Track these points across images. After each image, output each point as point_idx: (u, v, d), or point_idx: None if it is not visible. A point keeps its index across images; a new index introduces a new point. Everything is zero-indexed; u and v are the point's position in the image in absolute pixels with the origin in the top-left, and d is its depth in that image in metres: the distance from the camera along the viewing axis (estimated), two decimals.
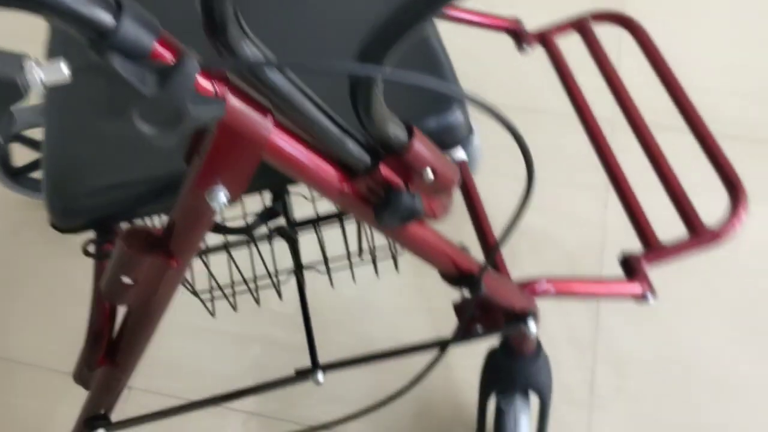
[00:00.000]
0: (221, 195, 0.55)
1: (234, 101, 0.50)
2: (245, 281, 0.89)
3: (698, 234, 0.99)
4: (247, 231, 0.92)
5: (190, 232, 0.59)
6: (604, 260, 1.36)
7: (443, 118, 0.72)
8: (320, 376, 0.83)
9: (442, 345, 0.80)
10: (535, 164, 1.47)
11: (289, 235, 0.79)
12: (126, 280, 0.61)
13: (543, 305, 1.29)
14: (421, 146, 0.59)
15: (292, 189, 1.01)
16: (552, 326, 1.27)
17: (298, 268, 0.91)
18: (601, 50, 1.17)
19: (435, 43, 0.78)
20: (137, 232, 0.60)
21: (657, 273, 1.29)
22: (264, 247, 1.08)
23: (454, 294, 1.29)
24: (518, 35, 1.23)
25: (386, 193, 0.59)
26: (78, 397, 1.16)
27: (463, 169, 1.06)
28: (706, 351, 1.24)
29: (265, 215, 0.92)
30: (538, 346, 0.96)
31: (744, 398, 1.20)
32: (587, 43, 1.18)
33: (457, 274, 0.74)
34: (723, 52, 1.69)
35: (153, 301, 0.64)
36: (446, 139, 0.74)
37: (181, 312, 1.29)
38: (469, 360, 1.25)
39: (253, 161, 0.54)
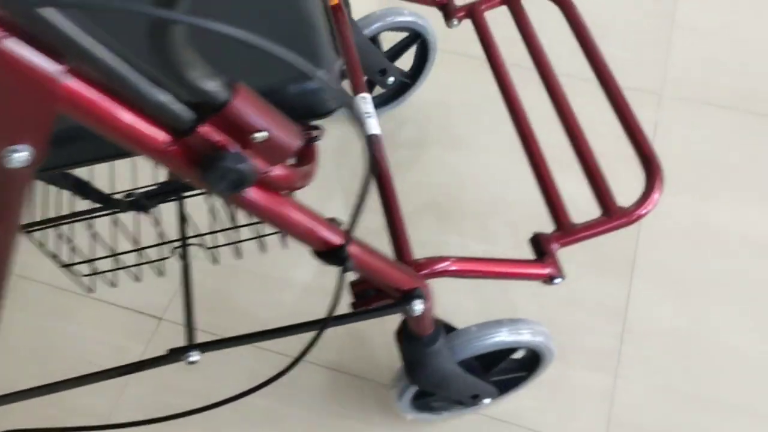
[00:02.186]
0: (16, 155, 0.49)
1: (13, 43, 0.44)
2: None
3: (611, 214, 0.93)
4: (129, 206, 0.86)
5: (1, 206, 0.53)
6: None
7: (306, 85, 0.66)
8: (195, 355, 0.77)
9: (321, 325, 0.75)
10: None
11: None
12: None
13: (575, 270, 1.25)
14: (246, 105, 0.53)
15: None
16: (584, 292, 1.25)
17: (184, 239, 0.85)
18: (528, 25, 1.11)
19: (313, 3, 0.72)
20: None
21: (689, 247, 1.30)
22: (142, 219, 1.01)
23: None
24: (446, 8, 1.17)
25: (209, 156, 0.54)
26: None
27: (375, 142, 1.00)
28: (735, 329, 1.22)
29: (157, 192, 0.86)
30: (437, 328, 0.91)
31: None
32: (516, 17, 1.12)
33: (325, 249, 0.69)
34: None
35: None
36: (313, 107, 0.67)
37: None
38: None
39: (48, 113, 0.48)
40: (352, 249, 0.69)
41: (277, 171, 0.61)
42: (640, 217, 0.93)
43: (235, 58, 0.65)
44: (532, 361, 1.06)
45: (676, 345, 1.20)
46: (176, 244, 0.86)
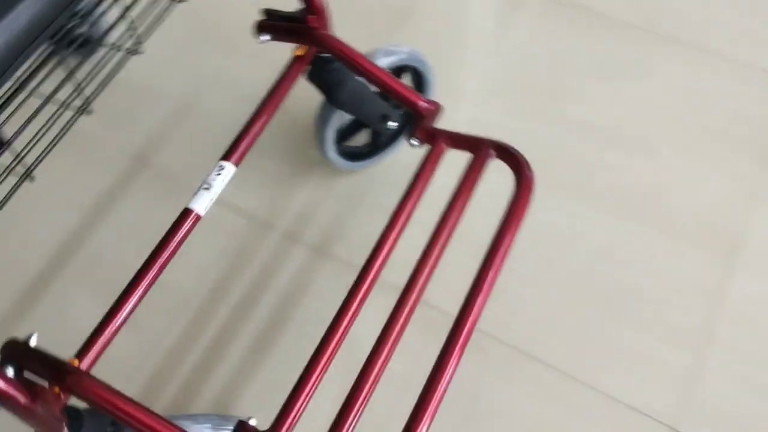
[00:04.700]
0: None
1: None
2: None
3: None
4: None
5: None
6: None
7: None
8: None
9: None
10: None
11: None
12: None
13: (670, 241, 1.11)
14: None
15: None
16: (679, 267, 1.09)
17: None
18: (469, 190, 0.85)
19: None
20: None
21: None
22: None
23: None
24: (413, 121, 0.94)
25: None
26: None
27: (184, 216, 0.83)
28: None
29: None
30: None
31: None
32: (469, 172, 0.86)
33: None
34: None
35: None
36: None
37: None
38: None
39: None
40: None
41: None
42: None
43: None
44: None
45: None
46: None
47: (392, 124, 1.07)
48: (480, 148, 0.87)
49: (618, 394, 0.99)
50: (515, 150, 0.86)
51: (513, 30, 1.34)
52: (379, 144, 1.15)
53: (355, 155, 1.15)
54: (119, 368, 0.94)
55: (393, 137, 1.14)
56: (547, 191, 1.08)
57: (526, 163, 0.85)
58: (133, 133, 1.24)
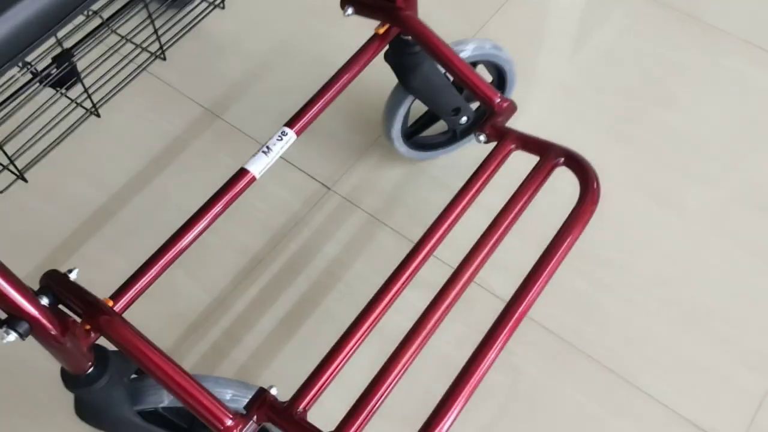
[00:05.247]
0: None
1: None
2: None
3: None
4: None
5: None
6: None
7: None
8: None
9: None
10: None
11: None
12: None
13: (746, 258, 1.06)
14: None
15: None
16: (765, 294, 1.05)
17: None
18: (530, 194, 0.82)
19: None
20: None
21: None
22: None
23: None
24: (488, 118, 0.91)
25: None
26: None
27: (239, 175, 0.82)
28: None
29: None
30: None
31: None
32: (533, 176, 0.83)
33: None
34: None
35: None
36: None
37: None
38: None
39: None
40: None
41: None
42: None
43: None
44: None
45: None
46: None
47: (464, 119, 1.05)
48: (549, 154, 0.84)
49: (680, 408, 0.95)
50: (586, 161, 0.82)
51: (609, 27, 1.29)
52: (446, 139, 1.13)
53: (418, 145, 1.13)
54: (153, 318, 0.95)
55: (463, 133, 1.12)
56: (633, 196, 1.06)
57: (595, 176, 0.81)
58: (208, 85, 1.24)
